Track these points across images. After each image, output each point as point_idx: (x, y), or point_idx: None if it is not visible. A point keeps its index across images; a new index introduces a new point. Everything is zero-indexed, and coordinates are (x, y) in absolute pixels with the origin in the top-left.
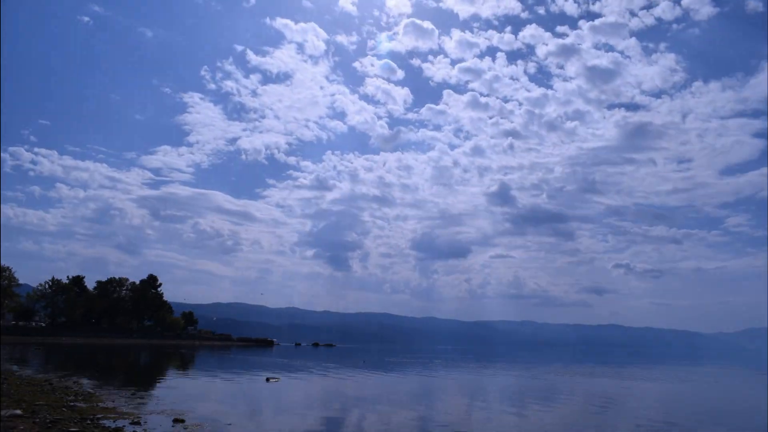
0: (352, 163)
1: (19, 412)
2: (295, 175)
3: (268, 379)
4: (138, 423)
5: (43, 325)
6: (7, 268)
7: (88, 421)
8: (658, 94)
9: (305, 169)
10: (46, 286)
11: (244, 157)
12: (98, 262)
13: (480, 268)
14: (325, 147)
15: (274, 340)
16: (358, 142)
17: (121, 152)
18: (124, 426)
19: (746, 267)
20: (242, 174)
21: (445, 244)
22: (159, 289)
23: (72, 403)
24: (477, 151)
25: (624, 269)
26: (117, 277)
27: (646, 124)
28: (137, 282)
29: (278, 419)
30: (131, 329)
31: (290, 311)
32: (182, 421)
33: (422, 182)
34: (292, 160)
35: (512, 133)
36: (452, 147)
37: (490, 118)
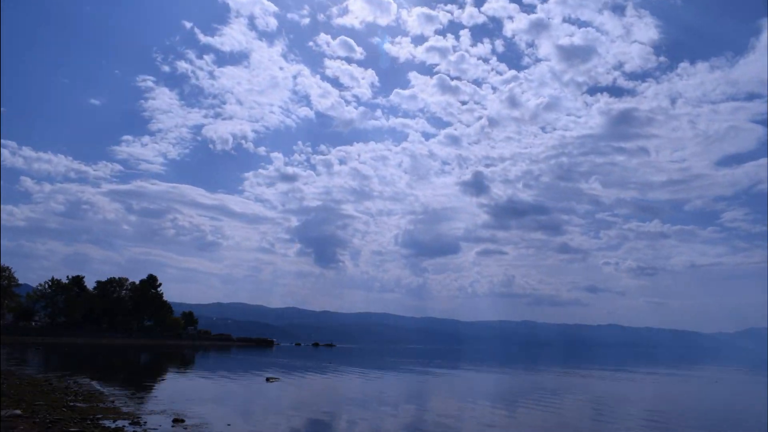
0: (325, 155)
1: (19, 412)
2: (267, 168)
3: (268, 379)
4: (138, 423)
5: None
6: (7, 268)
7: (88, 421)
8: (642, 77)
9: (276, 160)
10: (46, 286)
11: (211, 147)
12: (80, 259)
13: (470, 266)
14: (295, 136)
15: (274, 340)
16: (327, 130)
17: (82, 141)
18: (124, 426)
19: (745, 265)
20: (213, 166)
21: (434, 241)
22: (159, 289)
23: (72, 403)
24: (453, 140)
25: (618, 267)
26: (117, 277)
27: (631, 110)
28: (137, 282)
29: (278, 419)
30: (131, 329)
31: (290, 311)
32: (182, 421)
33: (400, 174)
34: (261, 150)
35: (488, 120)
36: (427, 136)
37: (464, 104)
